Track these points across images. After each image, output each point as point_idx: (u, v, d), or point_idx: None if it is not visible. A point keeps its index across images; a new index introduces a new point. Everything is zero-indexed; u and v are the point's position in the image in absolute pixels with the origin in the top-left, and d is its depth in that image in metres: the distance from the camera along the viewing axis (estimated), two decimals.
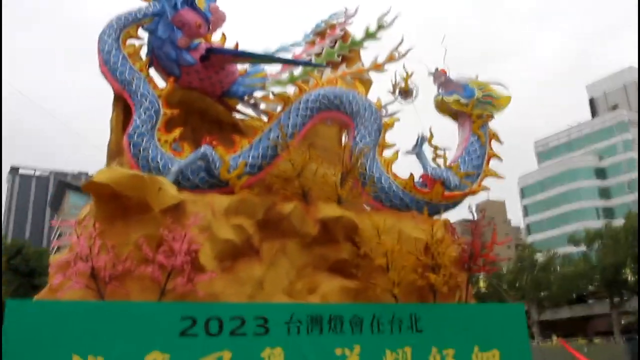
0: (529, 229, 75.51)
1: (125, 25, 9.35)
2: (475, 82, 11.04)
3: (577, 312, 48.57)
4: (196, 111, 9.94)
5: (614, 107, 71.89)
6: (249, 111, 10.83)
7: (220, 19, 9.40)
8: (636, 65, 71.10)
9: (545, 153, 78.40)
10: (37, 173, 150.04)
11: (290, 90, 10.60)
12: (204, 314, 6.95)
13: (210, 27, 9.37)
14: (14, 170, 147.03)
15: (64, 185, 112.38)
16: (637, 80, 73.09)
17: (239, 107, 10.70)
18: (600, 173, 70.08)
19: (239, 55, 9.68)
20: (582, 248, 46.04)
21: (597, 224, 57.69)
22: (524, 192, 77.61)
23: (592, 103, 79.94)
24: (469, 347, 8.28)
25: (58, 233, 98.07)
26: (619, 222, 53.57)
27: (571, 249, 49.38)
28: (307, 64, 10.47)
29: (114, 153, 9.39)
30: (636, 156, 65.07)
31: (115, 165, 8.80)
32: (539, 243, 59.63)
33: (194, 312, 6.92)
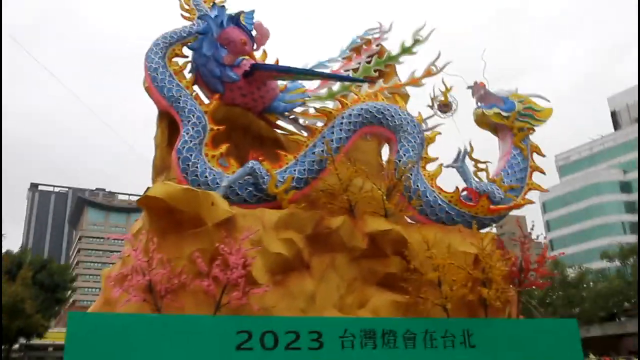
0: (552, 245, 74.30)
1: (171, 44, 9.56)
2: (516, 95, 11.01)
3: (608, 329, 47.40)
4: (239, 127, 10.04)
5: (637, 120, 70.99)
6: (289, 126, 10.92)
7: (264, 36, 9.54)
8: None
9: (566, 167, 77.45)
10: (56, 189, 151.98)
11: (330, 105, 10.68)
12: (259, 328, 6.97)
13: (255, 44, 9.50)
14: (33, 186, 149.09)
15: (82, 201, 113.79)
16: None
17: (279, 122, 10.79)
18: (626, 187, 68.92)
19: (282, 71, 9.79)
20: (615, 263, 45.14)
21: (624, 239, 56.59)
22: (545, 207, 76.51)
23: (614, 116, 78.96)
24: None
25: (77, 249, 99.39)
26: None
27: (602, 265, 48.40)
28: (347, 79, 10.54)
29: (160, 168, 9.54)
30: None
31: (164, 181, 8.93)
32: (563, 259, 58.61)
33: (250, 326, 6.94)
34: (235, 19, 9.32)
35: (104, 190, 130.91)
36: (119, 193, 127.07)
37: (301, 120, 10.72)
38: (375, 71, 11.59)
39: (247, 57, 9.61)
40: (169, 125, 9.60)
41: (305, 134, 10.88)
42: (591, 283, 44.21)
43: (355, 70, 11.48)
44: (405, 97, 11.52)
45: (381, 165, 10.92)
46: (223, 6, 9.66)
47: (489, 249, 8.84)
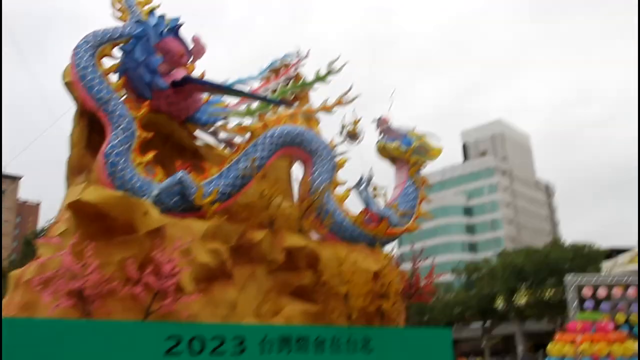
0: (402, 258, 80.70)
1: (101, 43, 9.41)
2: (413, 133, 12.51)
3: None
4: (161, 135, 10.19)
5: (483, 154, 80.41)
6: (207, 138, 11.28)
7: (200, 50, 9.86)
8: (504, 119, 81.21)
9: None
10: None
11: (247, 122, 11.27)
12: (188, 333, 7.34)
13: (192, 58, 9.79)
14: None
15: None
16: (502, 132, 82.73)
17: (197, 133, 11.11)
18: (468, 211, 77.54)
19: (214, 87, 10.16)
20: (462, 278, 51.37)
21: (463, 256, 63.75)
22: None
23: (464, 148, 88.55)
24: None
25: None
26: (482, 255, 60.09)
27: (449, 278, 54.21)
28: (273, 101, 11.18)
29: (76, 169, 9.39)
30: (497, 198, 73.49)
31: (83, 183, 8.84)
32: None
33: (180, 331, 7.28)
34: (174, 30, 9.53)
35: None
36: None
37: (221, 134, 11.17)
38: (291, 94, 12.40)
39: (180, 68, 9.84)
40: (89, 126, 9.51)
41: (221, 146, 11.38)
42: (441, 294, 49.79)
43: (273, 91, 12.18)
44: (316, 122, 12.49)
45: (290, 183, 11.76)
46: (163, 15, 9.78)
47: (387, 266, 10.07)
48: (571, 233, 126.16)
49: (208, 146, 11.07)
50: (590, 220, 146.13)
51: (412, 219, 11.94)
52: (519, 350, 52.85)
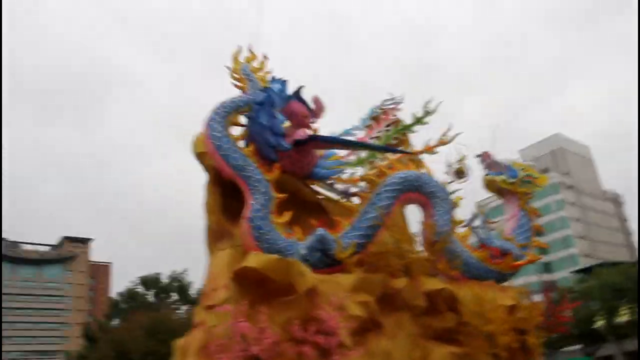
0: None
1: (230, 112, 10.08)
2: (517, 164, 12.59)
3: None
4: (288, 193, 10.67)
5: (545, 170, 78.36)
6: (323, 191, 11.71)
7: (321, 109, 10.37)
8: (561, 133, 79.41)
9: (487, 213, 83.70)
10: None
11: (359, 171, 11.67)
12: None
13: (314, 117, 10.32)
14: None
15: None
16: (562, 146, 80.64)
17: (315, 187, 11.56)
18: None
19: (335, 142, 10.63)
20: None
21: (537, 278, 61.40)
22: None
23: None
24: None
25: None
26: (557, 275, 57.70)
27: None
28: (390, 150, 11.53)
29: (217, 234, 9.94)
30: (566, 214, 71.31)
31: (226, 248, 9.38)
32: None
33: None
34: (297, 93, 10.12)
35: (5, 240, 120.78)
36: (23, 243, 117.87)
37: (338, 186, 11.58)
38: (394, 139, 12.77)
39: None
40: (223, 192, 10.10)
41: (335, 197, 11.78)
42: None
43: (378, 138, 12.58)
44: (422, 164, 12.76)
45: (407, 227, 11.97)
46: (285, 81, 10.39)
47: (524, 300, 10.04)
48: None
49: (328, 199, 11.47)
50: None
51: (530, 249, 11.88)
52: None
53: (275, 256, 8.45)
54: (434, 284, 9.66)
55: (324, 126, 11.25)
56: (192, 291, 44.04)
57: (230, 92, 10.80)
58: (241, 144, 10.28)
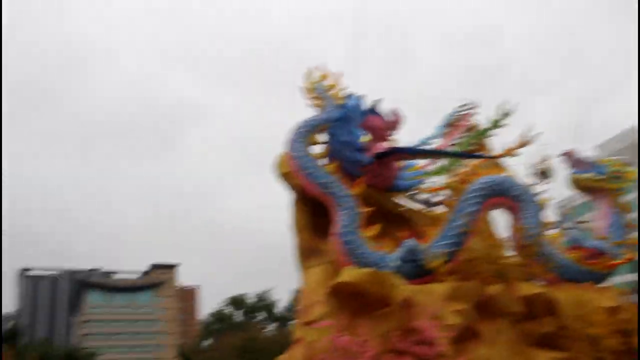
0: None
1: (309, 131, 10.53)
2: (605, 160, 12.20)
3: None
4: (372, 207, 10.93)
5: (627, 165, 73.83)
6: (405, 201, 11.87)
7: (399, 121, 10.62)
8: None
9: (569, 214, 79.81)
10: (47, 273, 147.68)
11: (440, 180, 11.73)
12: None
13: (392, 129, 10.59)
14: (23, 271, 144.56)
15: (82, 283, 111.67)
16: None
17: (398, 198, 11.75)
18: None
19: (417, 152, 10.83)
20: None
21: (629, 277, 57.69)
22: None
23: None
24: None
25: (83, 333, 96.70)
26: None
27: None
28: (473, 156, 11.56)
29: (307, 252, 10.35)
30: None
31: (318, 264, 9.74)
32: None
33: None
34: (373, 107, 10.44)
35: (99, 270, 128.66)
36: (113, 272, 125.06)
37: (420, 196, 11.71)
38: (472, 145, 12.73)
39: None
40: (309, 210, 10.52)
41: (418, 207, 11.89)
42: None
43: (456, 145, 12.60)
44: (503, 167, 12.63)
45: (492, 232, 11.86)
46: (361, 96, 10.75)
47: (624, 301, 9.70)
48: None
49: (411, 210, 11.62)
50: None
51: (626, 247, 11.41)
52: None
53: (368, 269, 8.71)
54: (530, 288, 9.53)
55: (399, 140, 11.49)
56: (278, 309, 45.04)
57: (294, 113, 11.27)
58: (324, 161, 10.69)
